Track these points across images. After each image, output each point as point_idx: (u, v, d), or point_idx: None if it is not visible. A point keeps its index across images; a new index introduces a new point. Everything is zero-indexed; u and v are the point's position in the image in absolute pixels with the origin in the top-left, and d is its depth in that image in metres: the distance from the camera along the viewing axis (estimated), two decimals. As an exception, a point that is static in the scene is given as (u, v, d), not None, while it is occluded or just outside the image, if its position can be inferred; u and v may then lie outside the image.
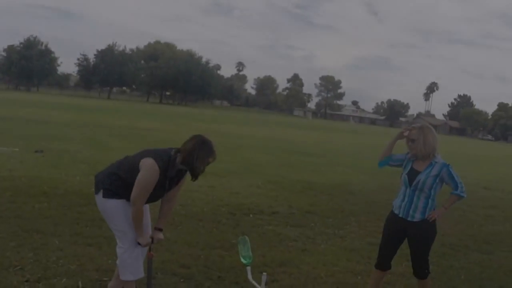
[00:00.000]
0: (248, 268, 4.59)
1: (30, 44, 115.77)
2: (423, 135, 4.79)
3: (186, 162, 4.27)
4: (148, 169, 4.19)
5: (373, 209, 10.46)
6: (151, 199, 4.39)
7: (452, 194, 4.83)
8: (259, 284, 4.55)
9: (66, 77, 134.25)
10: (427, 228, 4.84)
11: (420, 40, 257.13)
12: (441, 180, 4.79)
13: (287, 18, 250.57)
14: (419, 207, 4.81)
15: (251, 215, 8.82)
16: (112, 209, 4.32)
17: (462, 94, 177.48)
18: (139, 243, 4.35)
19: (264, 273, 4.67)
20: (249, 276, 4.57)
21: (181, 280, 5.40)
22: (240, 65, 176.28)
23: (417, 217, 4.81)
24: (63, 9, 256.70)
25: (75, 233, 6.59)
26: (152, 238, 4.47)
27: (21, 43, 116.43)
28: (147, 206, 4.60)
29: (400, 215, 4.91)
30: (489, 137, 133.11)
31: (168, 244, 6.44)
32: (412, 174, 4.85)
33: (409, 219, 4.84)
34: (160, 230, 4.57)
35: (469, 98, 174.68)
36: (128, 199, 4.28)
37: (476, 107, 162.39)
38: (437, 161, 4.79)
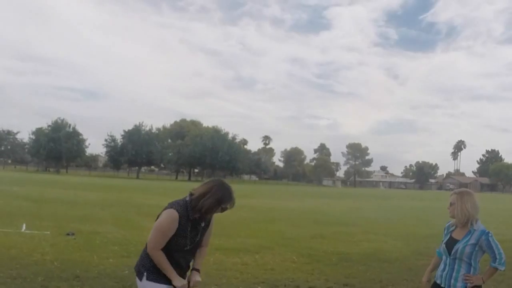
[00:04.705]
0: None
1: (58, 127, 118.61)
2: (460, 201, 4.71)
3: (196, 201, 4.16)
4: (166, 215, 4.12)
5: (411, 277, 10.19)
6: (179, 247, 4.24)
7: (490, 267, 4.70)
8: None
9: (95, 158, 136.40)
10: (469, 297, 4.66)
11: (442, 99, 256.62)
12: (480, 248, 4.66)
13: (308, 88, 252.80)
14: (460, 276, 4.69)
15: (287, 291, 8.62)
16: None
17: (490, 150, 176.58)
18: (174, 287, 4.22)
19: None
20: None
21: None
22: (267, 139, 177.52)
23: (458, 286, 4.68)
24: (90, 90, 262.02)
25: (109, 317, 6.49)
26: (188, 281, 4.34)
27: (49, 126, 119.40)
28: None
29: (442, 285, 4.80)
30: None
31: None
32: (450, 243, 4.76)
33: (450, 288, 4.70)
34: (198, 271, 4.44)
35: (498, 152, 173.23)
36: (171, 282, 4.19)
37: (505, 161, 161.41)
38: (476, 229, 4.68)
